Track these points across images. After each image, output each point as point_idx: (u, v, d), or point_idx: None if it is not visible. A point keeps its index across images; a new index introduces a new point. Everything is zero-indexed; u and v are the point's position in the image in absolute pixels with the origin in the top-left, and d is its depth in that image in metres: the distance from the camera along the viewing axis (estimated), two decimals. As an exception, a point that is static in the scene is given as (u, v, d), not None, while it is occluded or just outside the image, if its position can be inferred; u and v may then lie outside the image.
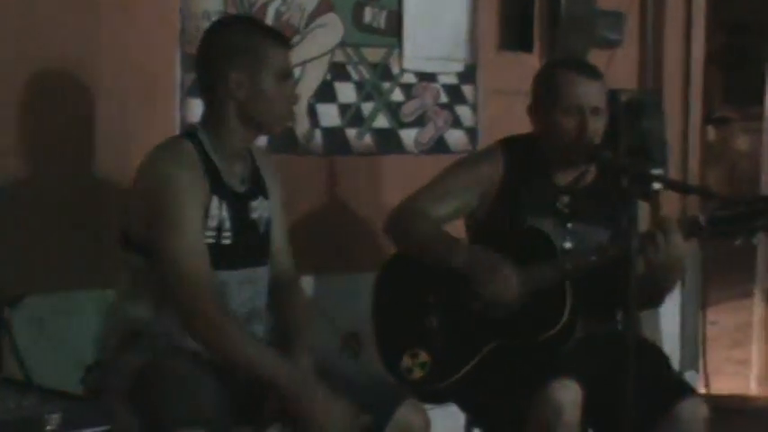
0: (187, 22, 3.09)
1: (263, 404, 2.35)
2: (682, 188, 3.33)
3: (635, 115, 3.89)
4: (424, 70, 3.61)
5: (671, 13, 4.27)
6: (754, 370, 4.93)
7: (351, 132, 3.48)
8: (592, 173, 2.83)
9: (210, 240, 2.39)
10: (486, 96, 3.72)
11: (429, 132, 3.65)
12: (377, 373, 2.64)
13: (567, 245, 2.75)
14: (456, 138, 3.70)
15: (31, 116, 2.85)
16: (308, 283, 3.25)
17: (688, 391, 2.66)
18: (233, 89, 2.41)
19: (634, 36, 4.19)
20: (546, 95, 2.76)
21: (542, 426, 2.50)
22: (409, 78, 3.59)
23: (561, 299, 2.64)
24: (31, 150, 2.86)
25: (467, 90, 3.72)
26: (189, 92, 3.08)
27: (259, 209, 2.52)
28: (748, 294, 5.19)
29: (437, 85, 3.65)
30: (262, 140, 3.12)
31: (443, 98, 3.67)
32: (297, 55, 3.32)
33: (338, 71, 3.44)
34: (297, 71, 3.32)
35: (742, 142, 10.72)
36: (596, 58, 3.86)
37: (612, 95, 3.80)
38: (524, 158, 2.81)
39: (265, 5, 3.27)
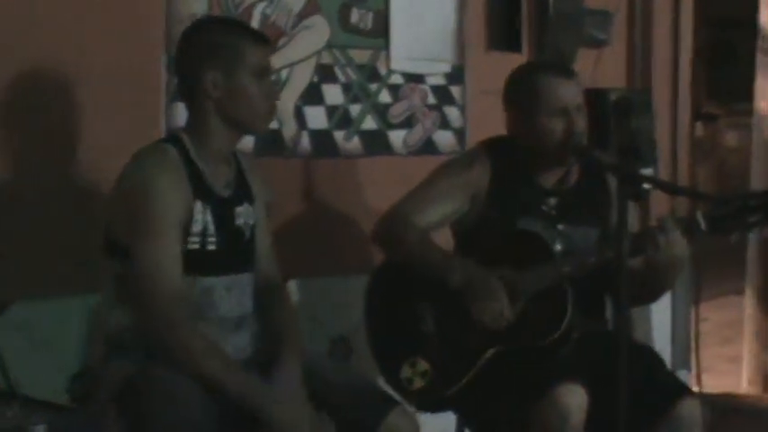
0: (172, 25, 3.06)
1: (250, 413, 2.32)
2: (672, 189, 3.33)
3: (624, 114, 3.88)
4: (412, 71, 3.59)
5: (659, 11, 4.26)
6: (746, 368, 4.93)
7: (338, 134, 3.46)
8: (575, 173, 2.82)
9: (195, 246, 2.37)
10: (475, 97, 3.70)
11: (417, 134, 3.63)
12: (367, 379, 2.62)
13: (558, 247, 2.74)
14: (444, 139, 3.68)
15: (14, 121, 2.83)
16: (295, 286, 3.23)
17: (686, 390, 2.66)
18: (209, 89, 2.40)
19: (622, 35, 4.18)
20: (528, 101, 2.75)
21: (548, 429, 2.48)
22: (397, 79, 3.57)
23: (561, 302, 2.63)
24: (14, 155, 2.84)
25: (455, 91, 3.70)
26: (175, 96, 3.05)
27: (244, 215, 2.50)
28: (739, 291, 5.19)
29: (425, 86, 3.63)
30: (248, 144, 3.11)
31: (431, 99, 3.65)
32: (283, 57, 3.30)
33: (325, 73, 3.42)
34: (284, 73, 3.31)
35: (730, 138, 10.75)
36: (584, 57, 3.87)
37: (601, 95, 3.81)
38: (508, 161, 2.80)
39: (251, 7, 3.24)
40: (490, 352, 2.66)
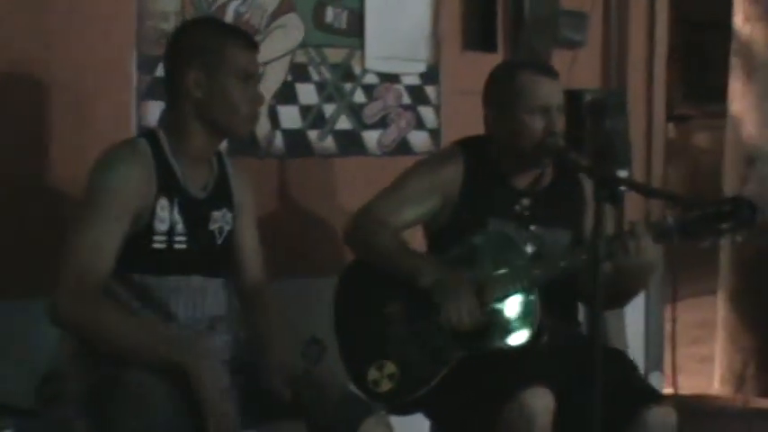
0: (143, 22, 3.03)
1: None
2: (648, 192, 3.34)
3: (599, 115, 3.88)
4: (387, 71, 3.57)
5: (634, 13, 4.27)
6: (718, 369, 4.95)
7: (312, 134, 3.44)
8: (549, 174, 2.81)
9: (161, 246, 2.35)
10: (450, 97, 3.69)
11: (392, 134, 3.61)
12: (342, 384, 2.59)
13: (529, 248, 2.73)
14: (419, 139, 3.67)
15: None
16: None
17: (656, 397, 2.66)
18: (191, 88, 2.39)
19: (597, 36, 4.19)
20: (509, 98, 2.73)
21: None
22: (371, 79, 3.55)
23: (529, 306, 2.62)
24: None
25: (430, 91, 3.68)
26: (146, 94, 3.02)
27: (220, 221, 2.48)
28: (711, 291, 5.21)
29: (400, 86, 3.62)
30: (221, 144, 3.07)
31: (406, 99, 3.64)
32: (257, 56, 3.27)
33: (299, 72, 3.39)
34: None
35: (702, 139, 10.82)
36: (560, 58, 3.86)
37: (576, 96, 3.81)
38: (482, 161, 2.79)
39: (225, 5, 3.21)
40: (458, 354, 2.65)
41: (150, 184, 2.34)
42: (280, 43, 3.35)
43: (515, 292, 2.64)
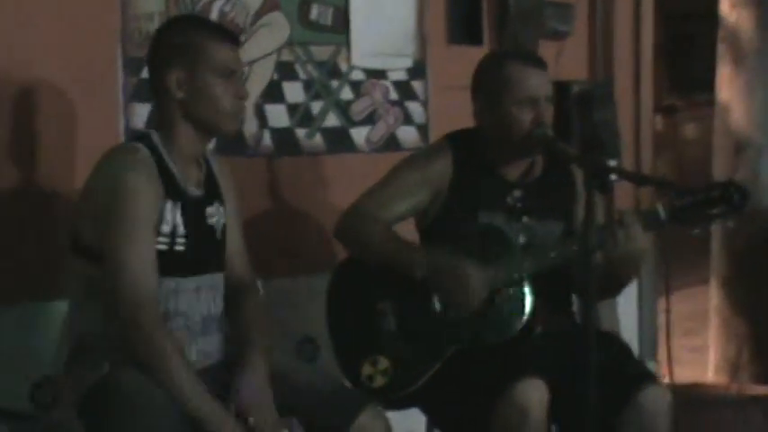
0: (128, 23, 3.02)
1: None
2: (639, 180, 3.31)
3: (586, 106, 3.87)
4: (373, 67, 3.57)
5: (620, 3, 4.27)
6: (712, 357, 4.95)
7: (300, 132, 3.43)
8: (539, 165, 2.81)
9: (163, 247, 2.33)
10: (437, 92, 3.68)
11: (380, 130, 3.60)
12: (336, 379, 2.60)
13: (521, 240, 2.73)
14: (408, 135, 3.66)
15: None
16: (260, 286, 3.19)
17: (650, 378, 2.65)
18: (173, 89, 2.37)
19: (583, 27, 4.18)
20: (497, 88, 2.73)
21: (509, 427, 2.46)
22: (358, 75, 3.54)
23: (521, 299, 2.62)
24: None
25: (417, 86, 3.68)
26: (133, 96, 3.01)
27: (216, 215, 2.47)
28: (704, 281, 5.21)
29: (386, 82, 3.61)
30: (209, 143, 3.06)
31: (393, 95, 3.63)
32: (243, 55, 3.23)
33: (285, 70, 3.38)
34: (243, 71, 3.27)
35: (689, 130, 10.85)
36: (546, 49, 3.85)
37: (563, 87, 3.80)
38: (472, 154, 2.78)
39: (209, 5, 3.20)
40: (451, 348, 2.64)
41: (158, 189, 2.33)
42: (265, 42, 3.34)
43: (507, 284, 2.63)
